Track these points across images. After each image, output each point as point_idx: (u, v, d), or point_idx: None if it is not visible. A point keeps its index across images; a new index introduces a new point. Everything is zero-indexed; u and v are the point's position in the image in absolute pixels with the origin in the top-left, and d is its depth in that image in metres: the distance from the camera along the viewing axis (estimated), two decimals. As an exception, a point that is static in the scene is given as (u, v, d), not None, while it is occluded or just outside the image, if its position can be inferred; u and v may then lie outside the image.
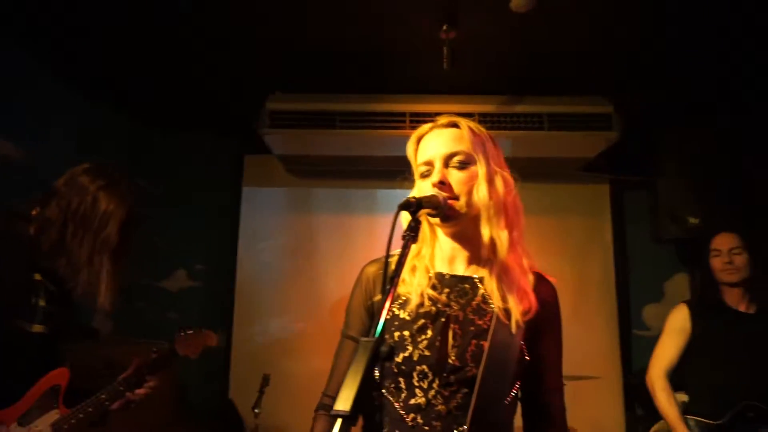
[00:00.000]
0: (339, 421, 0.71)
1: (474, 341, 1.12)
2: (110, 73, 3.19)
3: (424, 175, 1.22)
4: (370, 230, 3.82)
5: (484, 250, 1.20)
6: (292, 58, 3.00)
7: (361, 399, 0.74)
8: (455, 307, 1.17)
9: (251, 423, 2.98)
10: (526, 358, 1.17)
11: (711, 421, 2.37)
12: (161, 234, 3.82)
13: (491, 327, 1.13)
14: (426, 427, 1.10)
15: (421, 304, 1.17)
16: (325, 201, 4.05)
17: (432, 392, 1.12)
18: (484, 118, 3.27)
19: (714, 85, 3.17)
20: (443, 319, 1.15)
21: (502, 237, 1.17)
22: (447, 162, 1.21)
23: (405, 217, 1.09)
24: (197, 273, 3.82)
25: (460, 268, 1.24)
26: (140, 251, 3.74)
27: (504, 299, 1.15)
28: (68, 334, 1.81)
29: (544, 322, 1.20)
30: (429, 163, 1.22)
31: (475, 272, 1.22)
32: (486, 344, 1.11)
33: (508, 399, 1.16)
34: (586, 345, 3.65)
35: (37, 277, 1.66)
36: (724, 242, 2.54)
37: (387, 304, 0.87)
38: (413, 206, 1.05)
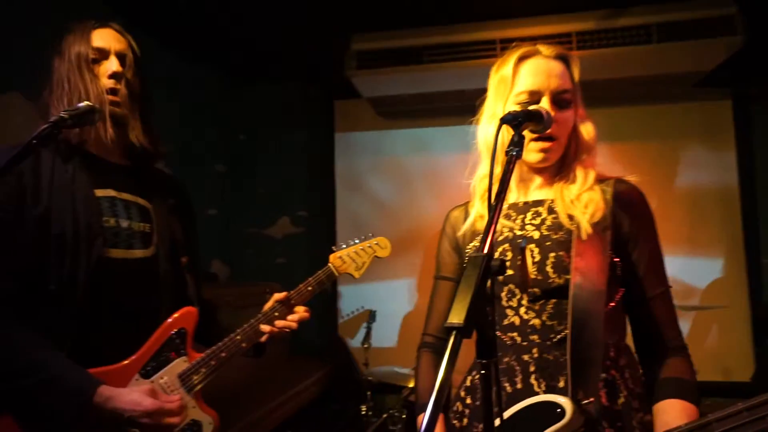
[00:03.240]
0: (453, 333, 0.71)
1: (552, 254, 1.13)
2: (201, 30, 3.29)
3: (525, 105, 1.16)
4: (465, 167, 3.76)
5: (562, 176, 1.21)
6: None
7: (474, 312, 0.73)
8: (530, 229, 1.18)
9: (361, 357, 3.13)
10: (617, 263, 1.14)
11: None
12: (263, 185, 4.02)
13: (572, 239, 1.12)
14: (524, 343, 1.13)
15: (500, 234, 1.20)
16: (416, 141, 4.01)
17: (522, 309, 1.15)
18: (582, 38, 3.02)
19: None
20: (519, 241, 1.18)
21: (590, 177, 1.18)
22: (554, 98, 1.16)
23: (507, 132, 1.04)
24: (300, 219, 3.99)
25: (534, 193, 1.24)
26: (246, 201, 4.00)
27: (580, 212, 1.14)
28: (192, 257, 1.49)
29: (631, 226, 1.15)
30: (534, 94, 1.17)
31: (548, 194, 1.22)
32: (565, 254, 1.11)
33: (610, 305, 1.12)
34: (709, 274, 3.40)
35: (100, 192, 1.30)
36: None
37: (495, 218, 0.84)
38: (517, 119, 0.99)
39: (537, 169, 1.24)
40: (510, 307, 1.16)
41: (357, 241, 1.63)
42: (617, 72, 3.15)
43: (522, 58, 1.20)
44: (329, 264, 1.57)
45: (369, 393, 2.97)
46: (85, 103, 1.14)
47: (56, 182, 1.23)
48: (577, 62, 1.22)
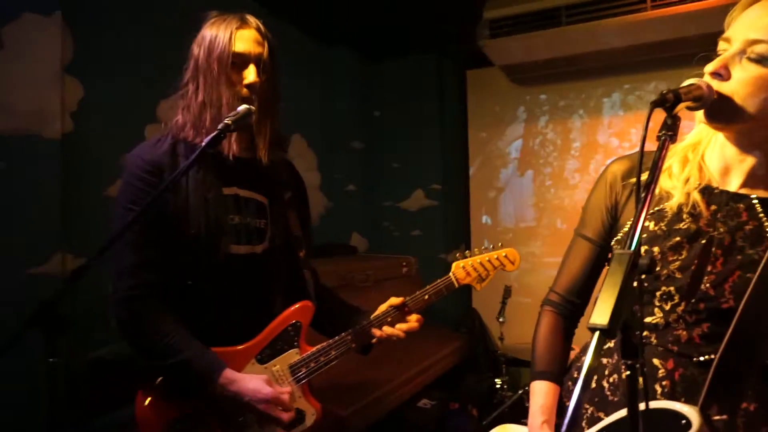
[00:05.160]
0: (596, 334, 0.69)
1: (738, 272, 0.96)
2: (334, 10, 3.41)
3: (717, 52, 0.99)
4: (611, 131, 3.51)
5: None
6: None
7: (619, 313, 0.70)
8: (721, 229, 1.00)
9: (497, 331, 3.13)
10: None
11: None
12: (398, 159, 4.12)
13: (764, 258, 0.94)
14: (660, 348, 1.01)
15: (680, 220, 1.03)
16: (553, 107, 3.81)
17: (674, 315, 1.01)
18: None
19: None
20: (703, 241, 1.00)
21: None
22: (745, 49, 0.95)
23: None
24: (433, 192, 4.04)
25: (735, 183, 1.03)
26: (382, 176, 4.13)
27: None
28: (305, 251, 1.51)
29: None
30: (726, 40, 0.97)
31: (754, 191, 1.02)
32: (754, 277, 0.94)
33: None
34: None
35: (226, 191, 1.36)
36: None
37: (643, 214, 0.78)
38: (669, 101, 0.90)
39: (741, 147, 1.01)
40: (661, 308, 1.03)
41: (485, 249, 1.55)
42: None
43: (751, 3, 0.98)
44: (451, 273, 1.52)
45: (504, 367, 2.97)
46: (244, 106, 1.21)
47: (191, 182, 1.31)
48: None
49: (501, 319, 3.00)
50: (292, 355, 1.42)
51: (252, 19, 1.36)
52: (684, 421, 0.88)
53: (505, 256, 1.54)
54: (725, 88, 0.95)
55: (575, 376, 1.18)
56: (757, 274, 0.95)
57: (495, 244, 1.56)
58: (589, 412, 1.10)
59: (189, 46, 1.37)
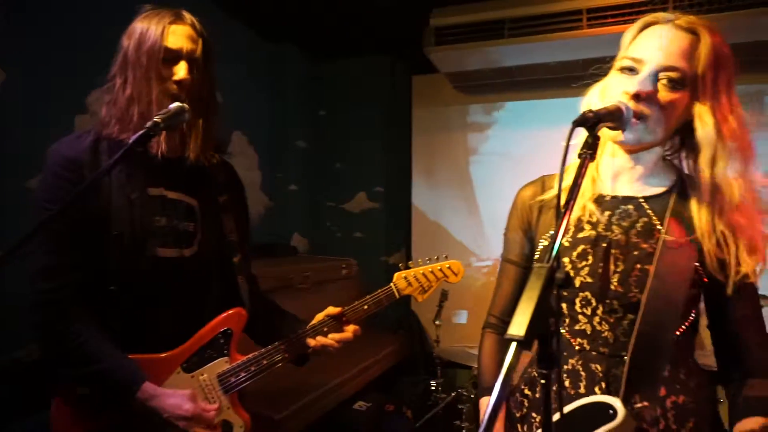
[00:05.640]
0: (513, 345, 0.71)
1: (638, 265, 1.05)
2: (282, 8, 3.37)
3: (624, 71, 1.05)
4: (545, 144, 3.63)
5: (661, 173, 1.11)
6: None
7: (535, 325, 0.73)
8: (617, 231, 1.09)
9: (433, 333, 3.18)
10: (705, 280, 1.04)
11: None
12: (342, 160, 4.11)
13: (657, 250, 1.04)
14: (593, 353, 1.08)
15: (581, 229, 1.12)
16: (495, 116, 3.92)
17: (596, 318, 1.09)
18: (680, 3, 2.77)
19: None
20: (604, 245, 1.09)
21: (732, 183, 1.02)
22: (658, 74, 1.01)
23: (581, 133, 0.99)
24: (376, 195, 4.06)
25: (624, 188, 1.13)
26: (325, 177, 4.11)
27: (675, 220, 1.05)
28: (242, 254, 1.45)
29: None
30: (638, 62, 1.03)
31: (642, 191, 1.11)
32: (651, 268, 1.03)
33: (681, 330, 1.05)
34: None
35: (152, 191, 1.30)
36: None
37: (561, 229, 0.82)
38: (591, 121, 0.95)
39: (632, 156, 1.11)
40: (583, 314, 1.10)
41: (428, 260, 1.54)
42: (739, 36, 2.85)
43: (648, 25, 1.06)
44: (392, 284, 1.49)
45: (439, 369, 3.02)
46: (176, 104, 1.15)
47: (114, 181, 1.25)
48: (712, 40, 1.01)
49: (437, 322, 3.05)
50: (221, 364, 1.36)
51: (187, 15, 1.31)
52: (612, 411, 0.99)
53: (449, 268, 1.53)
54: (642, 110, 1.02)
55: (521, 386, 1.24)
56: (654, 264, 1.03)
57: (439, 255, 1.55)
58: (537, 420, 1.16)
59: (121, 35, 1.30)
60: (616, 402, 1.00)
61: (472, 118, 3.98)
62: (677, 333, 1.05)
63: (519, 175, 1.42)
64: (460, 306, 3.71)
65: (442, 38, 3.17)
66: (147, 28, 1.26)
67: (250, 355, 1.40)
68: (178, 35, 1.27)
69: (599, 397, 1.04)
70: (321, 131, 4.13)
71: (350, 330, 1.44)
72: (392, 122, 4.11)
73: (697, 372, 1.10)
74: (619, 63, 1.08)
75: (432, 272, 1.52)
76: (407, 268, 1.52)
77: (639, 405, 1.03)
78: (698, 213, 1.05)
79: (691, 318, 1.08)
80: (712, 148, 1.02)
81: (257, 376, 1.38)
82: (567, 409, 1.06)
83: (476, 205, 3.93)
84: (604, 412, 1.00)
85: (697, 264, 1.03)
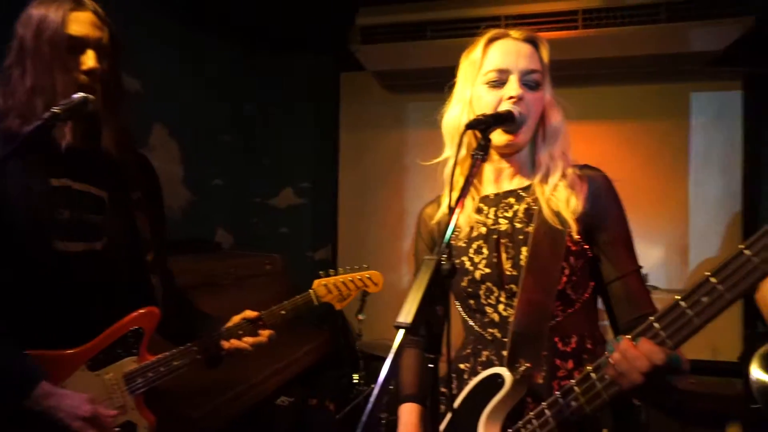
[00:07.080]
0: (401, 331, 0.76)
1: (523, 248, 1.14)
2: (208, 1, 3.29)
3: (493, 84, 1.17)
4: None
5: (530, 165, 1.23)
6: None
7: (423, 312, 0.78)
8: (503, 223, 1.20)
9: (356, 328, 3.23)
10: (589, 254, 1.15)
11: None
12: (268, 155, 4.07)
13: (533, 228, 1.14)
14: (505, 339, 1.15)
15: (472, 230, 1.22)
16: (421, 115, 4.01)
17: (501, 306, 1.17)
18: (589, 15, 2.98)
19: None
20: (494, 237, 1.19)
21: (560, 164, 1.19)
22: (522, 77, 1.16)
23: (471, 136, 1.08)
24: (303, 191, 4.05)
25: (505, 184, 1.25)
26: (251, 172, 4.05)
27: (550, 201, 1.15)
28: (157, 247, 1.41)
29: (599, 211, 1.16)
30: (503, 72, 1.16)
31: (520, 184, 1.23)
32: (528, 247, 1.13)
33: (580, 302, 1.15)
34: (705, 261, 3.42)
35: (55, 182, 1.24)
36: None
37: (452, 225, 0.88)
38: (485, 123, 1.02)
39: (507, 157, 1.23)
40: (489, 304, 1.18)
41: (349, 269, 1.57)
42: (624, 50, 3.10)
43: (491, 40, 1.20)
44: (311, 290, 1.52)
45: (362, 362, 3.08)
46: (80, 94, 1.11)
47: (9, 172, 1.18)
48: (547, 46, 1.21)
49: (360, 316, 3.10)
50: (129, 363, 1.33)
51: (88, 2, 1.26)
52: (500, 380, 1.09)
53: (369, 278, 1.58)
54: (525, 111, 1.14)
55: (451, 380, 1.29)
56: (530, 242, 1.13)
57: (361, 265, 1.60)
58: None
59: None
60: (503, 370, 1.08)
61: (399, 117, 4.05)
62: (577, 305, 1.14)
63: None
64: (385, 301, 3.78)
65: (367, 37, 3.22)
66: (45, 15, 1.20)
67: (161, 356, 1.37)
68: (81, 22, 1.22)
69: (489, 370, 1.11)
70: (247, 126, 4.07)
71: (265, 335, 1.45)
72: (320, 118, 4.11)
73: (603, 341, 1.19)
74: (483, 78, 1.19)
75: (352, 281, 1.56)
76: (328, 275, 1.54)
77: (523, 367, 1.08)
78: (560, 193, 1.16)
79: (589, 290, 1.17)
80: (564, 134, 1.20)
81: (167, 377, 1.36)
82: (466, 391, 1.13)
83: (402, 202, 4.01)
84: (495, 383, 1.08)
85: (578, 236, 1.13)
